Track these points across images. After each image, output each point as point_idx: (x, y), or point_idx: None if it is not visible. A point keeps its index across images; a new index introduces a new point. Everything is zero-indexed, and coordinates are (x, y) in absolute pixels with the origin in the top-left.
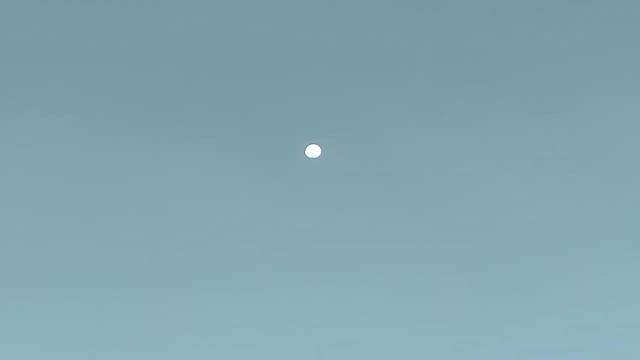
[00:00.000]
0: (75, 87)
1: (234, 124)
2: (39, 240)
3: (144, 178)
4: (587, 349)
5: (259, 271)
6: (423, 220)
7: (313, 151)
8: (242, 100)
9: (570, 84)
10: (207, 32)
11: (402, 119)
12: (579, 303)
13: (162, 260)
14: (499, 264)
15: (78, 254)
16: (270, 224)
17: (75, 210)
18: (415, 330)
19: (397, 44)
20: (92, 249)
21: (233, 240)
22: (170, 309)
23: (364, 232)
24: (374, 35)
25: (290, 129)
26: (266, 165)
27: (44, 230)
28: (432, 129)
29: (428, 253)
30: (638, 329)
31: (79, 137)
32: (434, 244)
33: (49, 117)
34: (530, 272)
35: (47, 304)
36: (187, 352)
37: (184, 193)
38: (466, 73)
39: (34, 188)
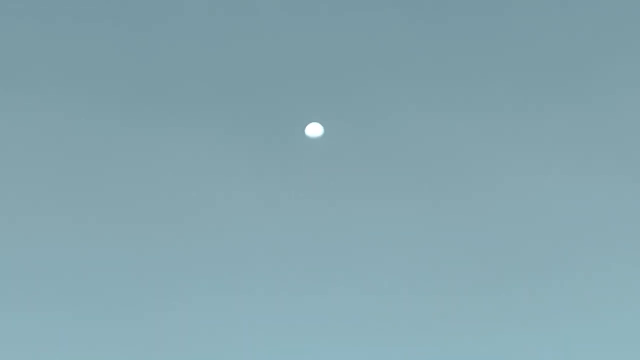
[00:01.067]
0: (73, 78)
1: (232, 105)
2: (29, 238)
3: (139, 169)
4: (603, 346)
5: (258, 268)
6: (430, 210)
7: (314, 130)
8: (242, 81)
9: (588, 74)
10: (207, 17)
11: (409, 104)
12: (597, 300)
13: (161, 255)
14: (509, 259)
15: (72, 252)
16: (269, 216)
17: (68, 205)
18: (424, 327)
19: (406, 29)
20: (87, 246)
21: (231, 235)
22: (170, 305)
23: (367, 223)
24: (382, 20)
25: (290, 108)
26: (266, 145)
27: (34, 228)
28: (440, 114)
29: (435, 245)
30: None
31: (74, 129)
32: (442, 236)
33: (47, 107)
34: (541, 268)
35: (38, 306)
36: (187, 351)
37: (182, 181)
38: (475, 59)
39: (25, 182)
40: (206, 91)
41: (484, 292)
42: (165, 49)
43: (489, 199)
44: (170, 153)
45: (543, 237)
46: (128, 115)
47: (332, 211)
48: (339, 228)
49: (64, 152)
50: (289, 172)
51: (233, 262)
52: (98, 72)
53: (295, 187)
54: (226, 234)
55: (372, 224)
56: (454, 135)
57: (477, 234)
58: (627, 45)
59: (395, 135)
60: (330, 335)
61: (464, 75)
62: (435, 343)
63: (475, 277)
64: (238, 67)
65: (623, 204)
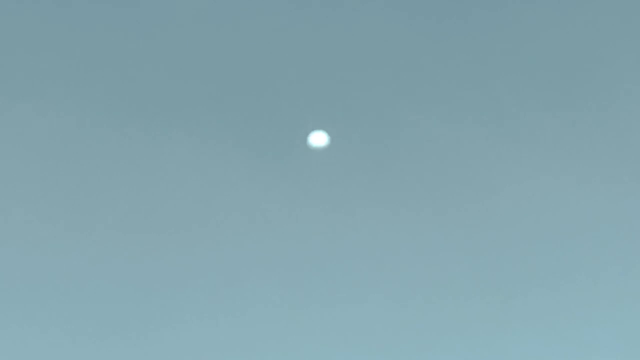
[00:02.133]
0: (69, 81)
1: (234, 113)
2: (30, 246)
3: (140, 178)
4: (603, 347)
5: (261, 278)
6: (438, 219)
7: (318, 139)
8: (244, 88)
9: (594, 76)
10: (207, 19)
11: (417, 112)
12: (599, 302)
13: (162, 264)
14: (515, 264)
15: (74, 259)
16: (272, 226)
17: (70, 212)
18: (430, 337)
19: (414, 35)
20: (89, 253)
21: (234, 245)
22: (173, 313)
23: (374, 233)
24: (389, 26)
25: (294, 116)
26: (266, 156)
27: (35, 236)
28: (449, 121)
29: (443, 254)
30: None
31: (69, 133)
32: (450, 244)
33: (46, 111)
34: (548, 272)
35: (38, 315)
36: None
37: (183, 190)
38: (481, 64)
39: (24, 189)
40: (207, 99)
41: (494, 298)
42: (166, 55)
43: (500, 208)
44: (170, 162)
45: (549, 242)
46: (129, 123)
47: (337, 221)
48: (345, 238)
49: (65, 158)
50: (293, 182)
51: (235, 271)
52: (97, 76)
53: (299, 197)
54: (229, 243)
55: (378, 234)
56: (463, 143)
57: (486, 243)
58: (629, 47)
59: (403, 144)
60: (337, 342)
61: (473, 82)
62: (444, 349)
63: (484, 283)
64: (240, 74)
65: (626, 207)
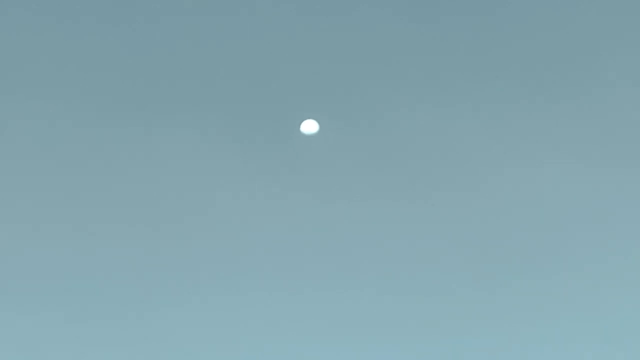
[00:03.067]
0: (68, 80)
1: (226, 102)
2: (30, 241)
3: (134, 170)
4: (601, 346)
5: (253, 266)
6: (427, 209)
7: (309, 127)
8: (236, 78)
9: (582, 71)
10: (200, 14)
11: (406, 100)
12: (594, 299)
13: (158, 256)
14: (507, 257)
15: (73, 253)
16: (264, 214)
17: (69, 207)
18: (420, 329)
19: (403, 23)
20: (88, 248)
21: (227, 234)
22: (170, 308)
23: (364, 222)
24: (378, 15)
25: (285, 104)
26: (261, 143)
27: (35, 230)
28: (437, 110)
29: (432, 245)
30: None
31: (72, 131)
32: (439, 235)
33: (45, 110)
34: (540, 267)
35: (39, 308)
36: (189, 352)
37: (176, 181)
38: (471, 57)
39: (24, 184)
40: (200, 89)
41: (485, 290)
42: (158, 48)
43: (487, 196)
44: (162, 153)
45: (543, 234)
46: (120, 116)
47: (328, 208)
48: (336, 225)
49: (63, 153)
50: (285, 169)
51: (229, 260)
52: (94, 73)
53: (291, 185)
54: (222, 232)
55: (368, 221)
56: (451, 132)
57: (475, 232)
58: (625, 40)
59: (392, 132)
60: (326, 334)
61: (461, 72)
62: (436, 342)
63: (475, 275)
64: (232, 64)
65: (623, 200)
